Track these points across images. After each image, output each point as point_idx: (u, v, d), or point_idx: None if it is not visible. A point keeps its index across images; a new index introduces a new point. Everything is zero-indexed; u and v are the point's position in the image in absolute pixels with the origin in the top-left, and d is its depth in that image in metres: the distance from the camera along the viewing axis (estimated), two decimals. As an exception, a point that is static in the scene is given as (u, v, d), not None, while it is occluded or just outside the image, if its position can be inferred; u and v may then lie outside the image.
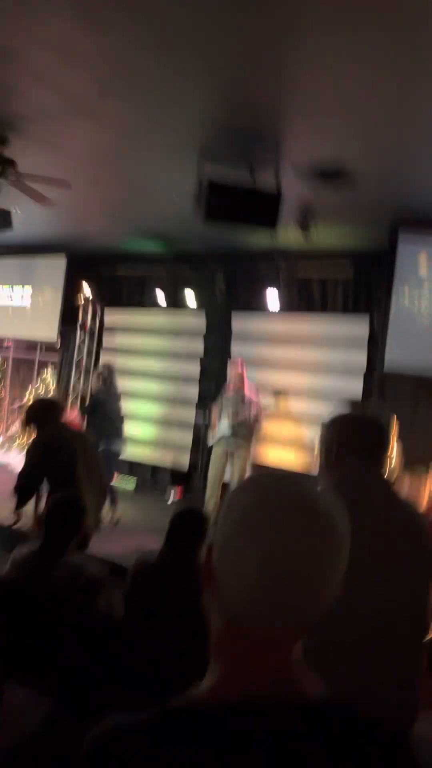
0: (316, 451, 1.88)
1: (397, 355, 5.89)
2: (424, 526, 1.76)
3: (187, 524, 2.75)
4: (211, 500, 6.44)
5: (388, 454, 1.88)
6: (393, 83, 3.46)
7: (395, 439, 5.74)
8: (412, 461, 5.95)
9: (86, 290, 8.67)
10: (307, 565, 0.75)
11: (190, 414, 7.92)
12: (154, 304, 7.99)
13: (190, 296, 7.73)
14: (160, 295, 7.89)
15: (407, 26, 2.91)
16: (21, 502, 3.82)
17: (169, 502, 7.52)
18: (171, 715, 0.76)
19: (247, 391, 6.51)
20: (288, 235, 5.79)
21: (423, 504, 5.17)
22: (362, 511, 1.64)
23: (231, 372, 6.62)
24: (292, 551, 0.75)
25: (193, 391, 8.02)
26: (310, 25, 3.00)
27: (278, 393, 6.59)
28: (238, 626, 0.77)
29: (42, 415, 3.87)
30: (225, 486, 6.57)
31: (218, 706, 0.75)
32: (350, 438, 1.78)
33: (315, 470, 1.91)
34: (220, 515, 0.82)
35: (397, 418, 6.01)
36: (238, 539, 0.77)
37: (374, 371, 6.38)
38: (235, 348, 7.63)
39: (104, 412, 6.48)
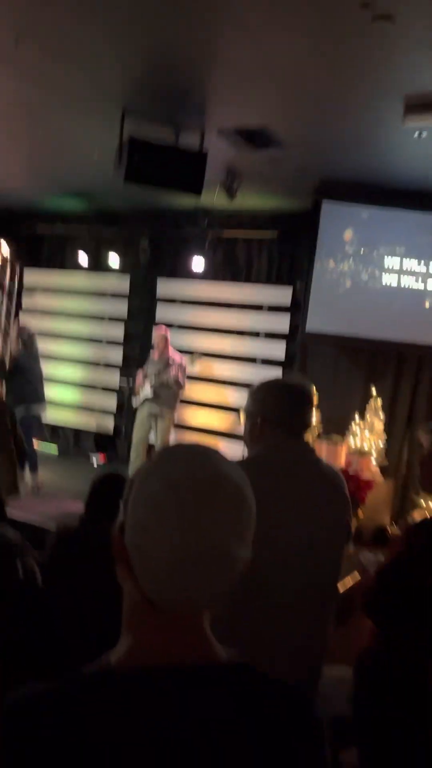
0: (242, 417, 1.90)
1: (318, 320, 6.03)
2: (344, 496, 1.84)
3: (109, 489, 2.75)
4: (135, 464, 6.46)
5: (311, 424, 1.92)
6: (318, 53, 3.45)
7: (315, 407, 5.92)
8: (330, 425, 6.17)
9: (4, 249, 8.33)
10: (219, 543, 0.77)
11: (114, 377, 7.85)
12: (76, 265, 7.79)
13: (113, 258, 7.57)
14: (83, 256, 7.69)
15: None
16: None
17: (94, 466, 7.49)
18: (84, 682, 0.78)
19: (171, 355, 6.52)
20: (214, 198, 5.75)
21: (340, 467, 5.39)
22: (284, 484, 1.70)
23: (155, 335, 6.59)
24: (203, 530, 0.76)
25: (117, 355, 7.94)
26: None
27: (201, 356, 6.63)
28: (151, 601, 0.79)
29: None
30: (150, 449, 6.60)
31: (130, 671, 0.78)
32: (273, 411, 1.81)
33: (238, 432, 1.95)
34: (129, 494, 0.83)
35: (318, 383, 6.20)
36: (150, 520, 0.77)
37: (297, 336, 6.50)
38: (160, 311, 7.58)
39: (24, 375, 6.32)
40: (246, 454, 1.85)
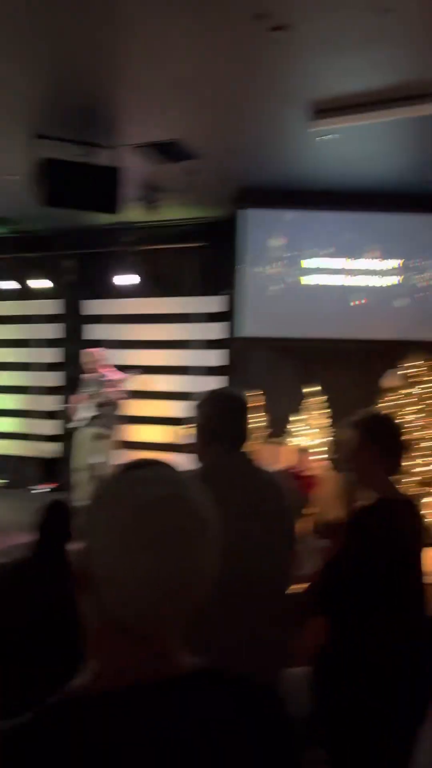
0: (184, 431, 1.93)
1: (250, 325, 6.10)
2: (287, 501, 1.87)
3: (56, 517, 2.70)
4: (81, 489, 6.35)
5: (250, 433, 1.95)
6: (221, 66, 3.52)
7: (257, 411, 5.98)
8: (275, 427, 6.24)
9: None
10: (188, 559, 0.78)
11: (50, 401, 7.70)
12: (4, 292, 7.62)
13: (40, 281, 7.46)
14: (8, 282, 7.52)
15: (223, 14, 2.97)
16: None
17: (37, 493, 7.32)
18: (52, 712, 0.76)
19: (107, 373, 6.45)
20: (137, 213, 5.75)
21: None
22: (231, 498, 1.72)
23: (87, 356, 6.51)
24: (172, 549, 0.76)
25: (54, 378, 7.80)
26: (136, 11, 2.97)
27: (140, 372, 6.59)
28: (119, 625, 0.78)
29: None
30: (94, 469, 6.50)
31: (99, 696, 0.76)
32: (212, 424, 1.84)
33: (182, 444, 1.97)
34: (88, 519, 0.81)
35: (257, 387, 6.27)
36: (116, 545, 0.76)
37: (230, 343, 6.56)
38: (92, 330, 7.50)
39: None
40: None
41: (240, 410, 1.87)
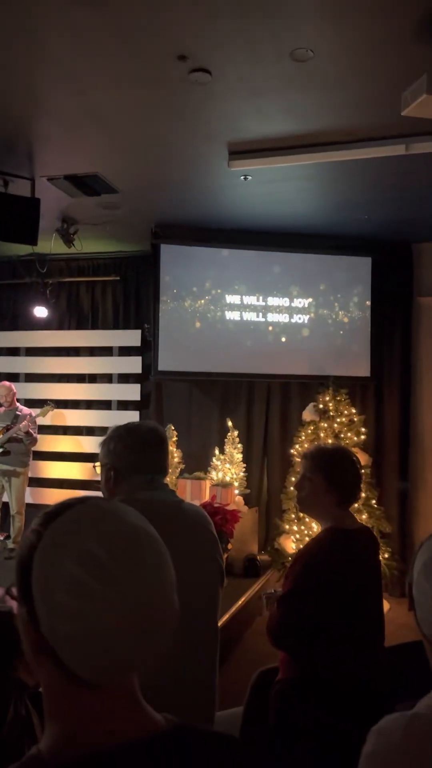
0: (98, 470, 1.84)
1: (169, 359, 6.10)
2: (211, 534, 1.83)
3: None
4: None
5: (167, 465, 1.90)
6: (142, 102, 3.56)
7: (174, 446, 5.94)
8: (192, 461, 6.21)
9: None
10: (158, 603, 0.73)
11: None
12: None
13: None
14: None
15: (146, 42, 3.02)
16: None
17: None
18: None
19: (19, 407, 6.23)
20: (53, 244, 5.66)
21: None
22: (159, 531, 1.67)
23: (3, 388, 6.26)
24: (144, 597, 0.72)
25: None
26: (54, 40, 2.96)
27: (53, 407, 6.39)
28: (81, 685, 0.71)
29: None
30: (6, 507, 6.21)
31: (72, 764, 0.70)
32: (125, 459, 1.77)
33: (97, 480, 1.87)
34: (29, 581, 0.73)
35: (175, 421, 6.24)
36: (76, 602, 0.69)
37: (150, 376, 6.52)
38: (3, 363, 7.24)
39: None
40: None
41: (151, 442, 1.81)
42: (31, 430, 6.04)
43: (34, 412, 6.20)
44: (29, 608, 0.73)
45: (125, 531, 0.74)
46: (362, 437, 5.54)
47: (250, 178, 4.66)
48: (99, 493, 1.90)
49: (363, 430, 5.58)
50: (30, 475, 6.36)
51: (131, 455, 1.77)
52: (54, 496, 6.87)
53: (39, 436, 6.26)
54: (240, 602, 4.69)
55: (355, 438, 5.50)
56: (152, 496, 1.75)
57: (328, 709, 1.83)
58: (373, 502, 5.36)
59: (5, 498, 6.14)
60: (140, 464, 1.77)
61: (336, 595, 1.85)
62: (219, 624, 1.86)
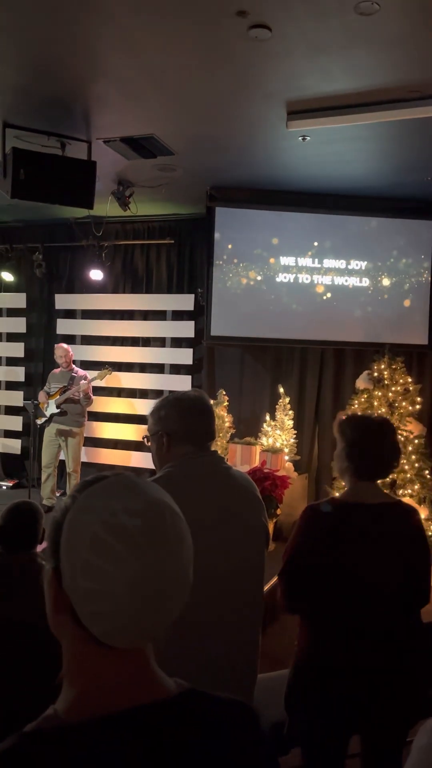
0: (147, 442, 1.88)
1: (222, 325, 6.09)
2: (258, 499, 1.86)
3: (22, 519, 2.63)
4: (46, 485, 6.25)
5: (215, 432, 1.92)
6: (200, 62, 3.48)
7: (225, 411, 5.98)
8: (243, 426, 6.25)
9: None
10: (174, 568, 0.76)
11: (17, 397, 7.56)
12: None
13: (6, 274, 7.32)
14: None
15: (204, 7, 2.94)
16: None
17: (3, 488, 7.20)
18: (32, 740, 0.72)
19: (75, 369, 6.37)
20: (108, 208, 5.68)
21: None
22: (199, 497, 1.69)
23: (57, 351, 6.41)
24: (157, 560, 0.75)
25: (19, 373, 7.66)
26: (114, 5, 2.91)
27: (111, 370, 6.51)
28: (101, 645, 0.76)
29: None
30: (62, 465, 6.41)
31: (82, 723, 0.73)
32: (177, 426, 1.80)
33: (148, 449, 1.91)
34: (60, 537, 0.78)
35: (227, 386, 6.27)
36: (99, 560, 0.73)
37: (202, 341, 6.54)
38: (61, 326, 7.39)
39: None
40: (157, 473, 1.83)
41: (201, 409, 1.85)
42: (87, 392, 6.18)
43: (90, 374, 6.32)
44: (56, 565, 0.78)
45: (152, 503, 0.78)
46: (417, 407, 5.44)
47: (309, 138, 4.53)
48: (149, 456, 1.94)
49: (418, 399, 5.47)
50: (85, 435, 6.52)
51: (181, 421, 1.80)
52: (108, 456, 7.05)
53: (94, 398, 6.40)
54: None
55: (410, 407, 5.40)
56: (203, 461, 1.79)
57: (331, 685, 1.85)
58: (426, 473, 5.28)
59: (62, 456, 6.34)
60: (190, 430, 1.80)
61: (324, 569, 1.85)
62: (264, 588, 1.89)
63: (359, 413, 2.13)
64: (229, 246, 6.00)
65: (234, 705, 0.84)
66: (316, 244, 5.98)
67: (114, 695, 0.76)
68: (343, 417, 2.07)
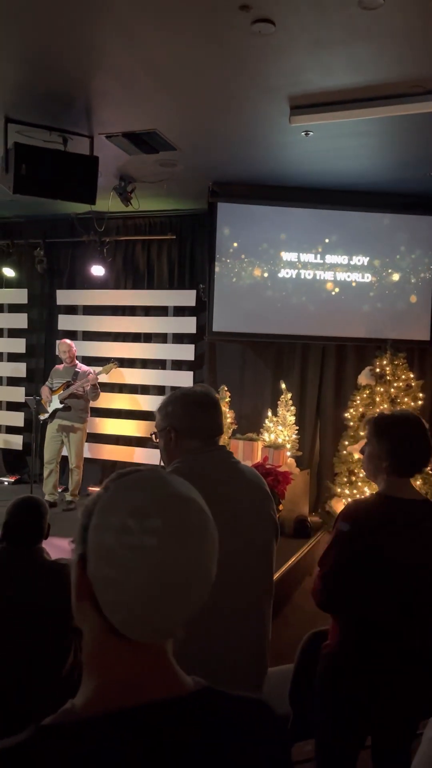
0: (155, 439, 1.88)
1: (223, 320, 6.09)
2: (266, 492, 1.86)
3: (26, 515, 2.64)
4: (48, 481, 6.26)
5: (223, 427, 1.93)
6: (202, 57, 3.47)
7: (227, 406, 5.98)
8: (244, 422, 6.25)
9: None
10: (197, 562, 0.77)
11: (18, 393, 7.56)
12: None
13: (8, 269, 7.31)
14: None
15: (209, 5, 2.93)
16: None
17: (5, 484, 7.21)
18: (46, 734, 0.72)
19: (78, 364, 6.37)
20: (109, 203, 5.67)
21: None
22: (211, 491, 1.68)
23: (60, 347, 6.41)
24: (181, 552, 0.75)
25: (20, 369, 7.66)
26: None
27: (116, 365, 6.51)
28: (120, 637, 0.76)
29: None
30: (65, 461, 6.42)
31: (97, 718, 0.74)
32: (184, 421, 1.80)
33: (151, 445, 1.92)
34: (89, 525, 0.79)
35: (228, 382, 6.27)
36: (123, 549, 0.74)
37: (204, 337, 6.53)
38: (62, 321, 7.38)
39: None
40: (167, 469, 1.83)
41: (207, 404, 1.85)
42: (89, 388, 6.18)
43: (94, 369, 6.32)
44: (83, 552, 0.79)
45: (179, 498, 0.79)
46: (419, 402, 5.43)
47: (311, 133, 4.51)
48: (152, 452, 1.94)
49: (420, 395, 5.47)
50: (88, 430, 6.53)
51: (189, 416, 1.81)
52: (111, 452, 7.05)
53: (98, 394, 6.40)
54: (290, 562, 4.76)
55: (412, 403, 5.39)
56: (211, 456, 1.80)
57: (368, 680, 1.84)
58: (429, 469, 5.28)
59: (64, 452, 6.34)
60: (198, 425, 1.81)
61: (372, 563, 1.83)
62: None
63: (387, 412, 2.10)
64: (231, 241, 5.99)
65: (251, 703, 0.84)
66: (318, 239, 5.97)
67: (131, 690, 0.76)
68: (372, 417, 2.06)
